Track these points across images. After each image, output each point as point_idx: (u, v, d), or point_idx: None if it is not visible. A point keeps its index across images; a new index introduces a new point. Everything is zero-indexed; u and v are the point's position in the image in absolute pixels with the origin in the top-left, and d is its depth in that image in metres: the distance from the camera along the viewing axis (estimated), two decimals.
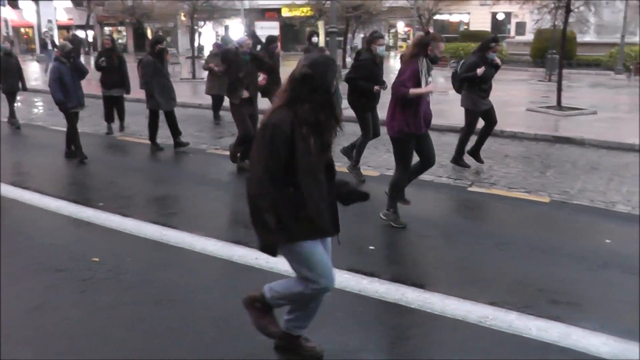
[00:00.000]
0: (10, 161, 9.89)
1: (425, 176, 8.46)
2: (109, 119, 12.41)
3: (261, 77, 10.06)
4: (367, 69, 8.15)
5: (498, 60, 9.02)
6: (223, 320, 4.45)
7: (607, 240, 6.19)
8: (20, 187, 8.13)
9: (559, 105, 14.71)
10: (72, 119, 9.80)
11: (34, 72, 27.52)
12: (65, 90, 9.46)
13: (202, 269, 5.45)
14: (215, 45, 14.40)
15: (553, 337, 4.17)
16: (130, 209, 7.23)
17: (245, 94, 8.85)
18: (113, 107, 12.34)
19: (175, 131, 10.74)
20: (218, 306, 4.68)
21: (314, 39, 15.00)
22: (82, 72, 9.84)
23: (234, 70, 8.92)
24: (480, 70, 8.30)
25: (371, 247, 5.99)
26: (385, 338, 4.28)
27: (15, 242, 6.17)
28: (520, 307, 4.62)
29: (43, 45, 25.07)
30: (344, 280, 5.01)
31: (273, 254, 3.49)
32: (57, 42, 25.13)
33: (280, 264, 5.36)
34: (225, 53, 9.02)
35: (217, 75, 12.83)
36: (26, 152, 11.27)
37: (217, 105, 13.88)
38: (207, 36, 46.96)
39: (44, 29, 31.58)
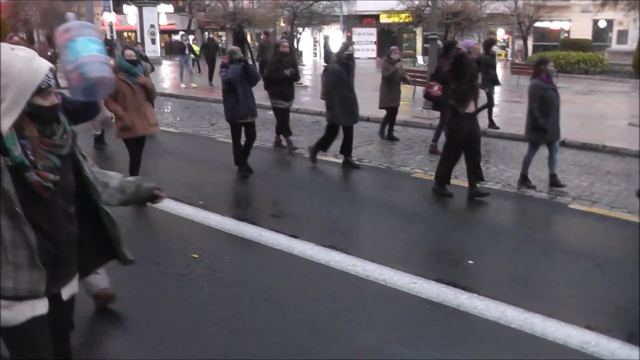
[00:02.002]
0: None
1: (524, 191, 8.29)
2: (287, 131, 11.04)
3: (436, 87, 9.45)
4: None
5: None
6: (317, 325, 4.48)
7: None
8: None
9: None
10: (237, 131, 9.01)
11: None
12: (235, 98, 8.74)
13: (299, 272, 5.50)
14: (395, 50, 12.25)
15: None
16: (229, 209, 7.41)
17: (472, 107, 7.91)
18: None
19: (347, 149, 9.74)
20: (313, 310, 4.71)
21: (494, 48, 13.30)
22: (254, 79, 8.89)
23: (468, 78, 7.89)
24: None
25: (470, 262, 5.86)
26: (481, 356, 4.17)
27: None
28: (622, 334, 4.42)
29: (180, 50, 25.51)
30: (442, 293, 4.97)
31: None
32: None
33: (376, 272, 5.39)
34: (460, 58, 8.01)
35: (395, 85, 11.82)
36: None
37: (391, 120, 12.12)
38: (306, 42, 47.75)
39: (181, 36, 30.75)
